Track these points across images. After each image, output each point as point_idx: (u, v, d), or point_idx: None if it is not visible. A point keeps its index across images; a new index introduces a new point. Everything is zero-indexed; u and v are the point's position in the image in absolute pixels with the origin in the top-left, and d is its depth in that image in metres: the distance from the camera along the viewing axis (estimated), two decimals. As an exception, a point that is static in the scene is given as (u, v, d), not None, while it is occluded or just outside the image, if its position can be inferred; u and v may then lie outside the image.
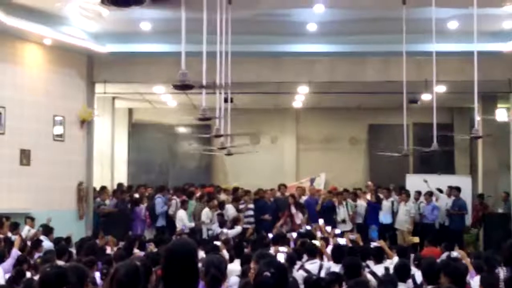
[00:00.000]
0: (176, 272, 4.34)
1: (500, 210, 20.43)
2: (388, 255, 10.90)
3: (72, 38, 17.23)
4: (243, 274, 8.14)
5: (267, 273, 4.46)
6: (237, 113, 18.26)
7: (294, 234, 14.64)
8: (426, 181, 19.67)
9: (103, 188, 19.78)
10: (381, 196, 19.94)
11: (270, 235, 14.45)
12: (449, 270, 7.34)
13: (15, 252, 10.79)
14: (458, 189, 19.64)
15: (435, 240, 14.71)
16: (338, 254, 10.38)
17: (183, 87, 8.15)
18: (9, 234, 13.74)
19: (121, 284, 4.46)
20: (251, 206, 19.09)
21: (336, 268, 9.59)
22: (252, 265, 5.55)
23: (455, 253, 10.29)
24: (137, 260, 4.75)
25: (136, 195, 19.54)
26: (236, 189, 20.40)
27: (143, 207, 18.87)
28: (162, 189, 19.78)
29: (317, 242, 11.61)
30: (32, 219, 15.39)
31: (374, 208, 19.47)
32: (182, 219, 17.81)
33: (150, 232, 18.61)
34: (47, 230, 14.30)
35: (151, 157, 25.42)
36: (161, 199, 19.05)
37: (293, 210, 18.92)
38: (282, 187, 20.22)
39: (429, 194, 19.47)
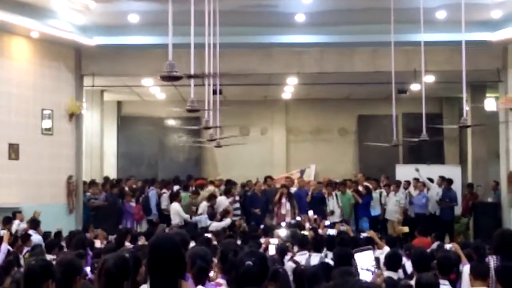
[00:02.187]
0: (160, 266, 4.36)
1: (489, 199, 20.47)
2: (378, 245, 10.91)
3: (59, 31, 17.15)
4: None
5: (249, 262, 4.53)
6: (226, 105, 18.26)
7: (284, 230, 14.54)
8: (417, 170, 19.73)
9: (94, 181, 19.75)
10: (370, 186, 20.00)
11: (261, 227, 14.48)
12: (440, 259, 7.39)
13: (4, 247, 10.78)
14: (449, 181, 19.66)
15: (425, 230, 14.74)
16: (329, 244, 10.43)
17: (170, 78, 8.11)
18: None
19: (110, 275, 4.45)
20: (237, 198, 19.09)
21: (317, 258, 9.63)
22: (215, 259, 5.58)
23: (448, 246, 10.31)
24: (126, 252, 4.74)
25: (126, 188, 19.50)
26: (228, 182, 20.33)
27: (131, 201, 18.85)
28: (153, 182, 19.75)
29: (306, 233, 11.62)
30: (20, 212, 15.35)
31: (364, 200, 19.46)
32: (178, 211, 17.72)
33: (141, 226, 18.60)
34: (34, 223, 14.25)
35: (140, 150, 25.36)
36: (155, 192, 19.07)
37: (283, 200, 18.93)
38: (269, 179, 20.21)
39: (423, 184, 19.53)
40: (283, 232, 12.95)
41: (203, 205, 17.91)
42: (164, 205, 18.91)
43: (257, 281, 4.53)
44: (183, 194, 18.89)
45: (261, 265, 4.60)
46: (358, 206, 19.35)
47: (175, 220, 17.51)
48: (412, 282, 7.04)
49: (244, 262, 4.57)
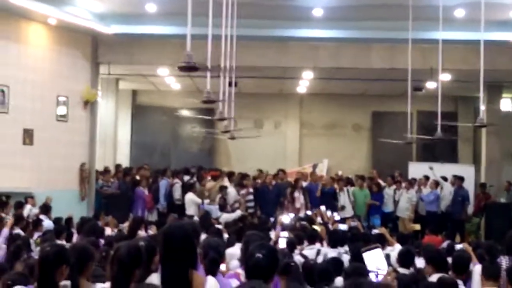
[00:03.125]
0: (172, 254, 4.37)
1: (502, 200, 20.40)
2: (389, 243, 10.89)
3: (77, 18, 17.17)
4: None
5: (259, 255, 4.52)
6: (241, 98, 18.24)
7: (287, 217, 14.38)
8: (431, 169, 19.66)
9: (107, 169, 19.78)
10: (384, 184, 19.98)
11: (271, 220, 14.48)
12: (455, 259, 7.42)
13: (5, 232, 10.83)
14: (461, 179, 19.59)
15: (436, 228, 14.71)
16: (340, 239, 10.43)
17: (188, 68, 8.11)
18: (10, 215, 13.71)
19: (122, 264, 4.47)
20: (251, 190, 19.06)
21: (333, 253, 9.62)
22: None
23: (459, 246, 10.31)
24: (141, 240, 4.77)
25: (137, 177, 19.49)
26: (243, 175, 20.26)
27: (143, 189, 18.81)
28: (165, 172, 19.74)
29: (317, 227, 11.61)
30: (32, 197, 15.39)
31: (376, 197, 19.42)
32: (193, 200, 17.66)
33: (152, 215, 18.61)
34: (46, 209, 14.30)
35: (154, 140, 25.40)
36: (166, 182, 19.06)
37: (296, 194, 18.91)
38: (281, 172, 20.19)
39: (435, 182, 19.45)
40: (286, 219, 12.99)
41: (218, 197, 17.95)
42: (176, 195, 18.88)
43: (267, 274, 4.52)
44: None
45: (271, 258, 4.59)
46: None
47: (190, 210, 17.49)
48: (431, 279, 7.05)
49: (254, 254, 4.56)
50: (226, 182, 19.14)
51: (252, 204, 18.72)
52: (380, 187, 19.68)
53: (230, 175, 19.54)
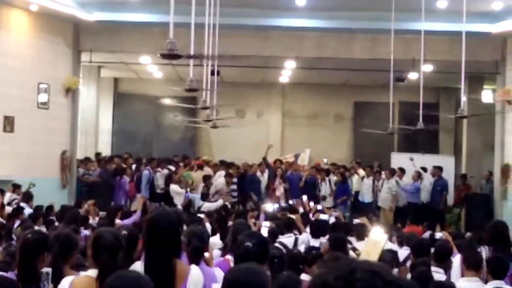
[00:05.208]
0: (157, 242, 4.37)
1: (482, 191, 20.52)
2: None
3: (58, 5, 17.06)
4: (225, 247, 8.15)
5: (249, 244, 4.51)
6: (223, 86, 18.21)
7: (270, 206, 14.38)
8: (412, 160, 19.72)
9: (88, 158, 19.70)
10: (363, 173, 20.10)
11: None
12: (437, 248, 7.48)
13: None
14: (440, 169, 19.67)
15: (417, 219, 14.79)
16: (320, 228, 10.47)
17: (170, 56, 8.09)
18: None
19: (102, 250, 4.43)
20: (235, 180, 19.05)
21: (315, 242, 9.66)
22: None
23: (439, 234, 10.37)
24: (124, 229, 4.76)
25: (123, 165, 19.42)
26: (222, 162, 20.30)
27: (126, 178, 18.77)
28: (151, 161, 19.71)
29: (292, 216, 11.64)
30: (19, 186, 15.23)
31: (341, 187, 19.46)
32: (176, 191, 17.68)
33: (134, 204, 18.56)
34: (27, 197, 14.21)
35: (135, 128, 25.30)
36: (148, 172, 19.01)
37: (277, 182, 18.97)
38: (278, 162, 20.24)
39: (418, 173, 19.51)
40: (270, 207, 13.02)
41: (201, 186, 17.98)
42: (159, 184, 18.86)
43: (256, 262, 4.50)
44: (185, 173, 18.87)
45: (261, 247, 4.58)
46: (337, 193, 19.39)
47: (176, 200, 17.49)
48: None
49: (243, 243, 4.55)
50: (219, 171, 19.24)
51: (235, 194, 18.70)
52: (344, 177, 19.68)
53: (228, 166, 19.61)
